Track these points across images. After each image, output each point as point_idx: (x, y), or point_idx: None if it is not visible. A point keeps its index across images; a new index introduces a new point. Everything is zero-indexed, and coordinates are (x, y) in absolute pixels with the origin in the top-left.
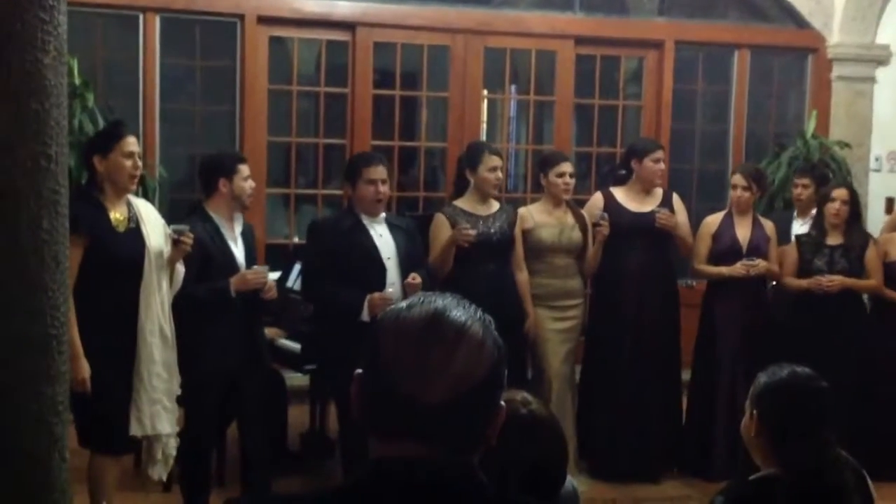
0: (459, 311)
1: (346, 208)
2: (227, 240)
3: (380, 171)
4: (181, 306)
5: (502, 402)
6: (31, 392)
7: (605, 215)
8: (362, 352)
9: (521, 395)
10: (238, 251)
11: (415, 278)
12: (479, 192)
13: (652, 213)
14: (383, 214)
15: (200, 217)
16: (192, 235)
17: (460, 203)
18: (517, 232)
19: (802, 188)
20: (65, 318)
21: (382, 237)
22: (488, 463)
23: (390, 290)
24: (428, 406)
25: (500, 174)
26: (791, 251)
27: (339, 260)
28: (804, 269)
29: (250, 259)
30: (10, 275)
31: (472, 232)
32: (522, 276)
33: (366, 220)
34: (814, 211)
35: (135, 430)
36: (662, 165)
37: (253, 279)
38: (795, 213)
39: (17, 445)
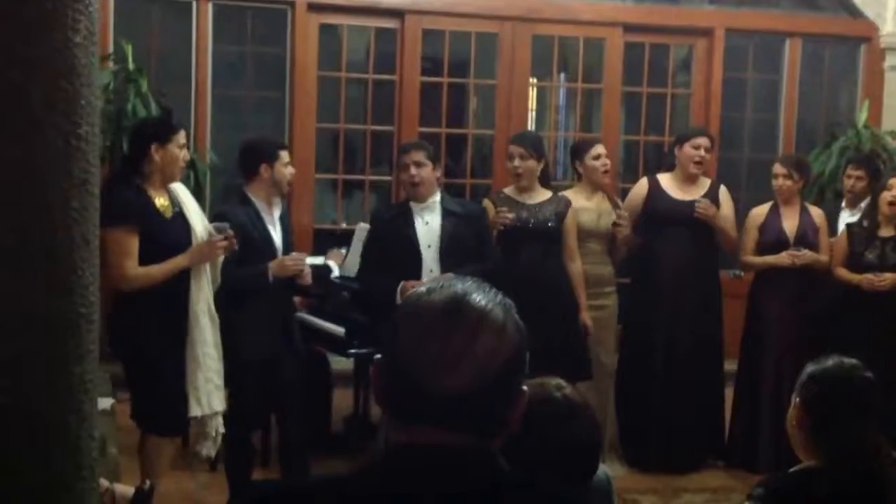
0: (480, 295)
1: (404, 197)
2: (266, 224)
3: (412, 155)
4: (222, 289)
5: (524, 387)
6: (60, 371)
7: (625, 214)
8: (383, 337)
9: (556, 380)
10: (277, 235)
11: None
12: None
13: (693, 202)
14: (436, 200)
15: (241, 200)
16: (231, 233)
17: (508, 190)
18: (568, 222)
19: (857, 180)
20: (94, 298)
21: (428, 224)
22: (521, 446)
23: (432, 277)
24: (449, 392)
25: (516, 162)
26: (841, 241)
27: (384, 248)
28: (854, 262)
29: (287, 243)
30: (39, 254)
31: (510, 215)
32: (574, 266)
33: (415, 208)
34: (864, 203)
35: (195, 410)
36: (702, 152)
37: (291, 265)
38: (844, 204)
39: (44, 424)
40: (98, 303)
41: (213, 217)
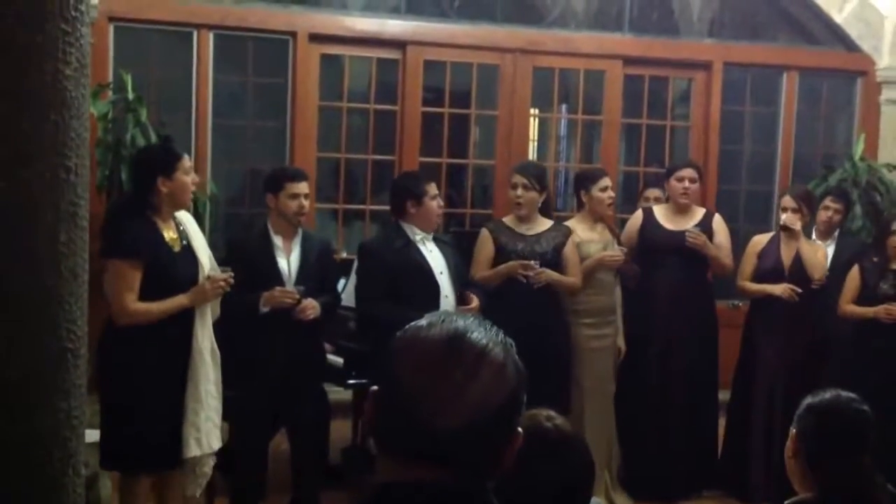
0: (480, 332)
1: (393, 227)
2: (274, 253)
3: (435, 187)
4: (228, 316)
5: (519, 429)
6: (46, 406)
7: (626, 250)
8: (379, 370)
9: (546, 411)
10: (287, 266)
11: (471, 299)
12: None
13: (684, 232)
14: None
15: (260, 229)
16: (231, 274)
17: (507, 219)
18: (567, 253)
19: (834, 212)
20: (82, 332)
21: (432, 253)
22: (512, 478)
23: (446, 299)
24: (445, 430)
25: (518, 192)
26: (853, 278)
27: (394, 278)
28: (869, 295)
29: (309, 273)
30: (25, 288)
31: (534, 274)
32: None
33: (416, 238)
34: (836, 233)
35: (193, 450)
36: (686, 184)
37: (279, 297)
38: (814, 236)
39: (30, 460)
40: (86, 337)
41: (227, 240)
